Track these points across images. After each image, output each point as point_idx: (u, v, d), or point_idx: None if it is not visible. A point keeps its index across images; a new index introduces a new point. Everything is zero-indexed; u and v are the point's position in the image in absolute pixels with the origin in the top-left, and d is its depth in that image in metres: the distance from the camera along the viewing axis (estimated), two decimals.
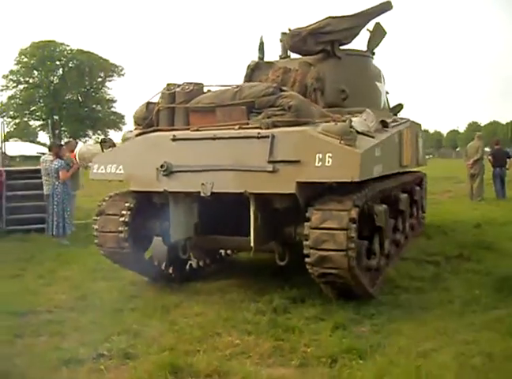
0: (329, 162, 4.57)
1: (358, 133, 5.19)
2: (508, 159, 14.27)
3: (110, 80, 53.36)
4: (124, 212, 5.34)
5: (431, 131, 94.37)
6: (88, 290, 5.80)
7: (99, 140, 5.78)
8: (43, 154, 10.96)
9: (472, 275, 6.13)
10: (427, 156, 10.72)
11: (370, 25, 7.21)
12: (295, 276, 5.63)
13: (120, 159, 5.39)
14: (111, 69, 52.65)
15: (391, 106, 8.64)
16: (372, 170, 4.97)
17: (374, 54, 7.40)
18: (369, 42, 7.25)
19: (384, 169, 5.44)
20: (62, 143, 11.02)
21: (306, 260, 4.67)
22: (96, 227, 5.49)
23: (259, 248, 5.05)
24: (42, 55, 47.96)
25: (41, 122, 50.21)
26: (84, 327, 4.71)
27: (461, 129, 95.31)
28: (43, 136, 55.36)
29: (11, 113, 48.88)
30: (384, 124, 5.96)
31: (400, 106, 8.66)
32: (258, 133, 4.88)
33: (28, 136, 54.17)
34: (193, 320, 4.82)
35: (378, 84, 7.35)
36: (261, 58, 7.11)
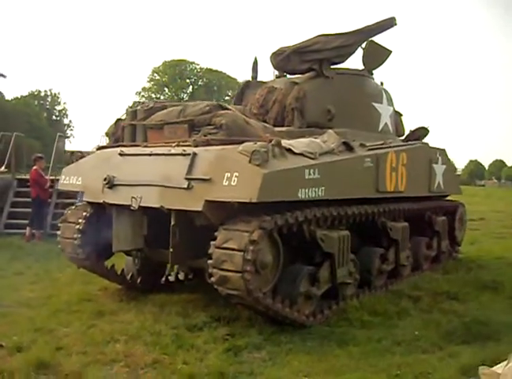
0: (234, 181, 4.52)
1: (295, 154, 5.08)
2: None
3: None
4: (80, 221, 5.74)
5: None
6: (57, 292, 6.28)
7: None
8: None
9: (441, 315, 5.54)
10: None
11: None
12: None
13: (80, 171, 5.82)
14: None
15: (412, 129, 8.18)
16: (296, 193, 4.79)
17: (372, 73, 7.06)
18: (363, 60, 6.94)
19: (331, 192, 5.20)
20: None
21: (211, 279, 4.64)
22: (58, 233, 5.97)
23: (177, 262, 5.12)
24: (173, 73, 51.82)
25: None
26: (16, 321, 5.13)
27: None
28: None
29: None
30: (347, 146, 5.70)
31: (423, 130, 8.12)
32: (184, 151, 4.98)
33: None
34: (111, 326, 5.00)
35: (375, 104, 7.00)
36: (254, 77, 7.18)
